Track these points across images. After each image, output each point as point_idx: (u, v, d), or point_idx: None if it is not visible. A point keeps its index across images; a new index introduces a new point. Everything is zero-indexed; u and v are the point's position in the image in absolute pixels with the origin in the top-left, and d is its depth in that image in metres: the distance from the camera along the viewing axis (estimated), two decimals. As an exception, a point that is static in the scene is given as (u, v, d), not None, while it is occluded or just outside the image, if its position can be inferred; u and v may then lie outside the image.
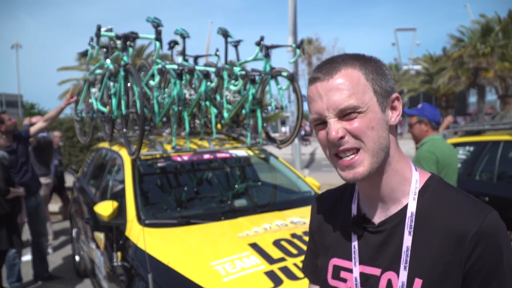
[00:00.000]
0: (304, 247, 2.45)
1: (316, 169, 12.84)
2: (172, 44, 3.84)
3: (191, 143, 3.58)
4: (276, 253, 2.39)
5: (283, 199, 3.62)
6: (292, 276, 2.19)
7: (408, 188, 0.92)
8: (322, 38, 44.81)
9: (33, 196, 4.49)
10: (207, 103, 3.61)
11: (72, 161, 9.12)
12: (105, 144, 4.36)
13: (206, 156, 3.49)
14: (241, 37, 3.74)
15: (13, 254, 4.17)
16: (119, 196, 3.16)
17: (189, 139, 3.50)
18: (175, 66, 3.28)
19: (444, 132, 5.60)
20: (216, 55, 3.92)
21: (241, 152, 3.66)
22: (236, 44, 3.80)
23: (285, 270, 2.24)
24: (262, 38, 3.42)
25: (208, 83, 3.44)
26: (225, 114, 3.61)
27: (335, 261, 1.00)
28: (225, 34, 3.77)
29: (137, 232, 2.68)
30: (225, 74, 3.63)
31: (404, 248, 0.88)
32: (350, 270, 0.96)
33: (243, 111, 3.61)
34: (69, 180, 6.99)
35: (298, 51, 3.57)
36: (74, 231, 4.88)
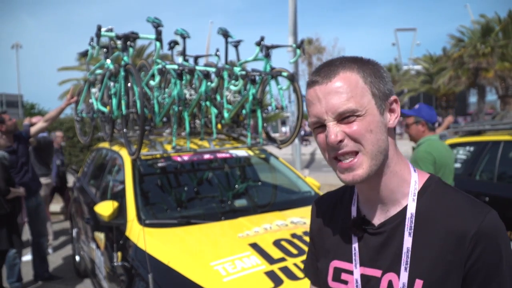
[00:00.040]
0: (304, 247, 2.45)
1: (316, 169, 12.84)
2: (173, 44, 3.84)
3: (191, 143, 3.58)
4: (276, 253, 2.39)
5: (283, 199, 3.62)
6: (292, 276, 2.19)
7: (407, 189, 0.92)
8: (322, 38, 44.77)
9: (33, 196, 4.49)
10: (208, 103, 3.61)
11: (72, 161, 9.12)
12: (105, 144, 4.36)
13: (206, 156, 3.49)
14: (241, 37, 3.75)
15: (13, 254, 4.17)
16: (119, 196, 3.16)
17: (189, 139, 3.50)
18: (176, 66, 3.28)
19: (445, 132, 5.61)
20: (216, 55, 3.92)
21: (241, 152, 3.67)
22: (236, 44, 3.81)
23: (285, 270, 2.24)
24: (262, 38, 3.42)
25: (209, 83, 3.44)
26: (226, 114, 3.61)
27: (335, 263, 1.00)
28: (225, 34, 3.77)
29: (137, 232, 2.68)
30: (225, 74, 3.63)
31: (404, 249, 0.88)
32: (350, 272, 0.96)
33: (244, 111, 3.61)
34: (71, 180, 6.99)
35: (298, 51, 3.57)
36: (75, 231, 4.88)
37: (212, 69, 3.56)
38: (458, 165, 4.55)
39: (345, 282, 0.97)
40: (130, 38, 3.23)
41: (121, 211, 2.96)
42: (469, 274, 0.83)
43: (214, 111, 3.62)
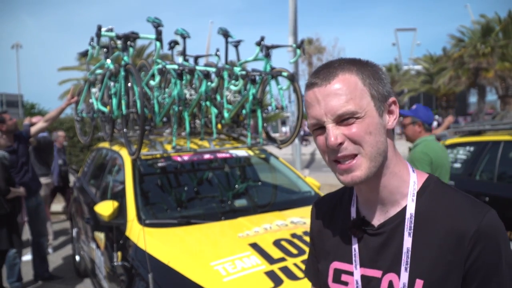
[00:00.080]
0: (304, 247, 2.46)
1: (316, 169, 12.85)
2: (173, 44, 3.84)
3: (191, 143, 3.58)
4: (276, 253, 2.39)
5: (283, 199, 3.62)
6: (292, 276, 2.19)
7: (406, 190, 0.93)
8: (322, 38, 44.68)
9: (33, 196, 4.49)
10: (208, 103, 3.61)
11: (72, 161, 9.13)
12: (105, 144, 4.36)
13: (207, 156, 3.49)
14: (241, 37, 3.76)
15: (13, 254, 4.17)
16: (120, 196, 3.16)
17: (190, 139, 3.50)
18: (176, 66, 3.28)
19: (445, 132, 5.61)
20: (216, 55, 3.93)
21: (242, 152, 3.67)
22: (237, 44, 3.81)
23: (285, 270, 2.24)
24: (262, 38, 3.43)
25: (209, 83, 3.44)
26: (226, 114, 3.61)
27: (335, 264, 1.00)
28: (225, 34, 3.77)
29: (137, 232, 2.68)
30: (225, 74, 3.63)
31: (404, 250, 0.88)
32: (351, 273, 0.96)
33: (244, 111, 3.61)
34: (73, 179, 7.00)
35: (298, 51, 3.57)
36: (75, 231, 4.88)
37: (212, 69, 3.56)
38: (458, 165, 4.55)
39: (346, 283, 0.97)
40: (130, 38, 3.23)
41: (121, 211, 2.96)
42: (469, 274, 0.84)
43: (214, 111, 3.63)
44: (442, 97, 26.88)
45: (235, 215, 2.96)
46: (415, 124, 3.13)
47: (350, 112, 0.85)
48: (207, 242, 2.65)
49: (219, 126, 3.87)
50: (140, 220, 2.78)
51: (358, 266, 0.94)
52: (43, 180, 5.59)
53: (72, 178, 7.03)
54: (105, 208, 2.91)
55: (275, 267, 2.26)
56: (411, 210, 0.90)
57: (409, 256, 0.87)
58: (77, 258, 4.79)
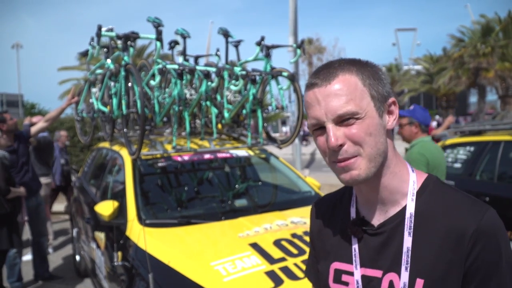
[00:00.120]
0: (305, 247, 2.46)
1: (316, 169, 12.85)
2: (173, 44, 3.85)
3: (191, 143, 3.58)
4: (276, 253, 2.39)
5: (283, 199, 3.62)
6: (292, 276, 2.19)
7: (406, 189, 0.93)
8: (322, 38, 44.81)
9: (33, 196, 4.49)
10: (208, 103, 3.61)
11: (72, 161, 9.12)
12: (105, 144, 4.36)
13: (207, 156, 3.49)
14: (241, 37, 3.76)
15: (13, 254, 4.17)
16: (120, 196, 3.16)
17: (190, 139, 3.50)
18: (176, 66, 3.28)
19: (445, 132, 5.61)
20: (216, 55, 3.93)
21: (242, 152, 3.67)
22: (237, 44, 3.81)
23: (285, 270, 2.24)
24: (262, 38, 3.43)
25: (209, 83, 3.44)
26: (226, 114, 3.62)
27: (336, 265, 1.00)
28: (225, 34, 3.77)
29: (137, 232, 2.68)
30: (225, 74, 3.63)
31: (404, 249, 0.88)
32: (351, 273, 0.96)
33: (244, 111, 3.61)
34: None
35: (298, 51, 3.57)
36: (75, 231, 4.88)
37: (213, 69, 3.57)
38: (458, 165, 4.55)
39: (346, 284, 0.97)
40: (130, 38, 3.23)
41: (121, 211, 2.96)
42: (469, 272, 0.84)
43: (214, 111, 3.63)
44: (442, 97, 26.87)
45: (236, 215, 2.96)
46: (412, 124, 3.14)
47: (350, 113, 0.85)
48: (207, 242, 2.65)
49: (219, 126, 3.87)
50: (141, 220, 2.78)
51: (358, 266, 0.94)
52: (43, 180, 5.59)
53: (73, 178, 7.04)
54: (105, 208, 2.91)
55: (276, 267, 2.26)
56: (411, 209, 0.90)
57: (409, 256, 0.87)
58: (77, 258, 4.79)
